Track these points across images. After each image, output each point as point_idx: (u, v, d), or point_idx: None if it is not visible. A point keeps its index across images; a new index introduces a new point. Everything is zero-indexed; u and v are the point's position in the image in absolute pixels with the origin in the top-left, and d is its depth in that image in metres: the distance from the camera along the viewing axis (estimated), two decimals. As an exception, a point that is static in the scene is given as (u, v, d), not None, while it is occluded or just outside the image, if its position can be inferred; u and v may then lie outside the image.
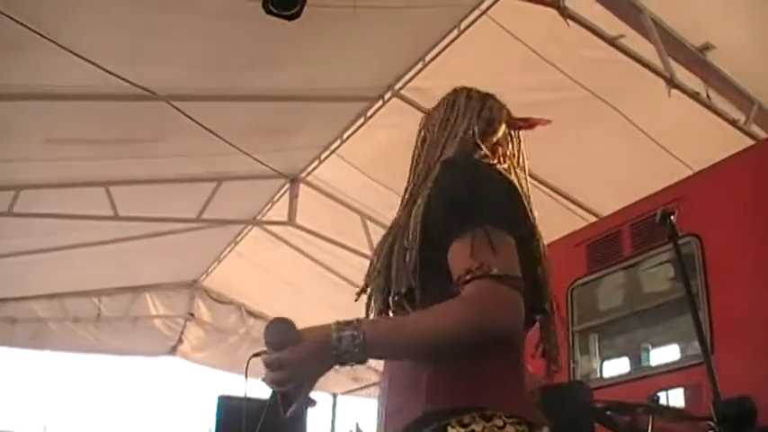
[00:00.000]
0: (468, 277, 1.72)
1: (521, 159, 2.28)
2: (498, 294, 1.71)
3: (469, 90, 2.33)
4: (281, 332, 1.77)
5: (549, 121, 2.26)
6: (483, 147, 2.10)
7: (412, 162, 2.23)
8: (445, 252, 1.81)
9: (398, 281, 1.91)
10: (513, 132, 2.28)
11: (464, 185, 1.88)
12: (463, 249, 1.76)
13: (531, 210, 2.04)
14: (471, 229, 1.76)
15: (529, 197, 2.10)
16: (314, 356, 1.73)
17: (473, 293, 1.71)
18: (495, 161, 2.11)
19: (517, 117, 2.29)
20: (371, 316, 2.02)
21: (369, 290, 2.05)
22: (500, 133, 2.19)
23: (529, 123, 2.29)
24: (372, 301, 2.04)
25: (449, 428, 1.74)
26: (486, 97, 2.30)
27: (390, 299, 1.96)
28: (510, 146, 2.25)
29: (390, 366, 1.99)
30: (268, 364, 1.76)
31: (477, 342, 1.72)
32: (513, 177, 2.10)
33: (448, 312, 1.72)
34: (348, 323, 1.72)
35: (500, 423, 1.74)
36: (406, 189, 2.14)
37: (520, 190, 2.05)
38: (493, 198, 1.87)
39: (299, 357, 1.73)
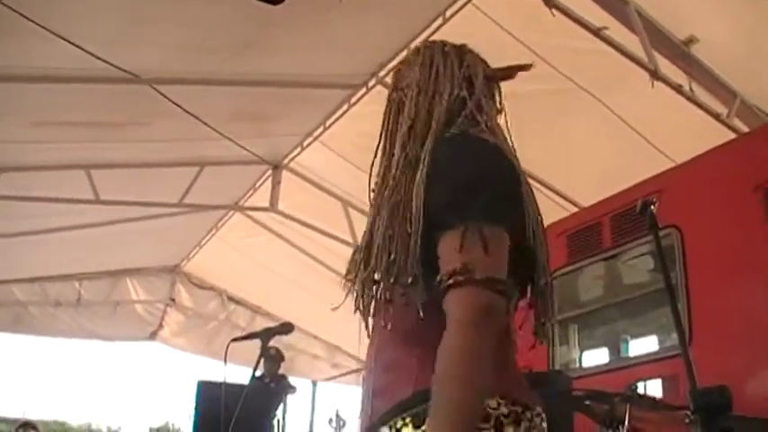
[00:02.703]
0: (450, 281, 1.65)
1: (503, 116, 2.15)
2: (478, 303, 1.63)
3: (444, 44, 2.14)
4: None
5: (530, 65, 2.13)
6: (477, 116, 1.96)
7: (385, 130, 2.05)
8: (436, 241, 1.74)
9: (402, 270, 1.78)
10: (493, 84, 2.14)
11: (465, 170, 1.79)
12: (453, 243, 1.68)
13: (527, 185, 1.93)
14: (465, 222, 1.68)
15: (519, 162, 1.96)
16: None
17: (455, 317, 1.65)
18: (487, 131, 1.94)
19: (496, 67, 2.15)
20: (361, 307, 1.92)
21: (357, 280, 1.92)
22: (478, 89, 2.03)
23: (509, 72, 2.16)
24: (361, 292, 1.90)
25: None
26: (462, 50, 2.13)
27: (384, 290, 1.83)
28: (492, 102, 2.11)
29: (377, 346, 1.93)
30: None
31: (483, 354, 1.60)
32: (504, 145, 1.96)
33: (454, 376, 1.59)
34: None
35: (494, 404, 1.68)
36: (386, 165, 1.98)
37: (516, 164, 1.91)
38: (492, 188, 1.76)
39: None
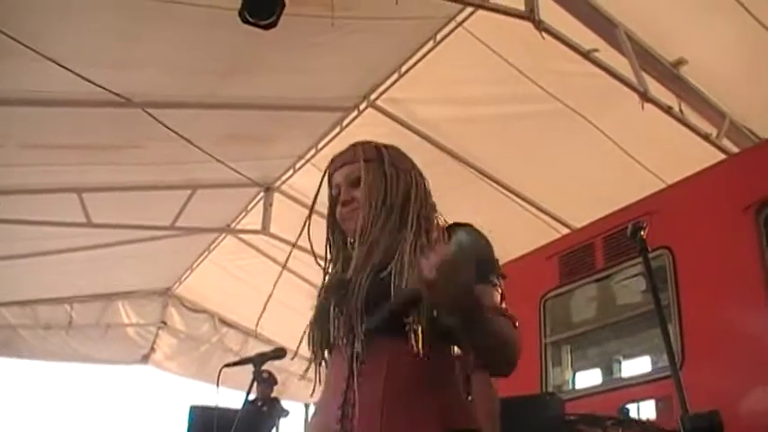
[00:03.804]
0: (500, 311, 2.03)
1: None
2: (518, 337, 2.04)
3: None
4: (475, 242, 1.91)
5: None
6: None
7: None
8: None
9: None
10: None
11: (489, 249, 2.14)
12: (488, 293, 2.03)
13: None
14: (490, 281, 2.07)
15: None
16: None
17: (513, 326, 2.03)
18: None
19: None
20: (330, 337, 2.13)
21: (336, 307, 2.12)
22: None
23: None
24: (336, 319, 2.11)
25: None
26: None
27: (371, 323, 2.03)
28: None
29: (361, 384, 2.03)
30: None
31: (510, 357, 2.02)
32: None
33: (511, 327, 2.03)
34: None
35: None
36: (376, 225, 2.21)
37: None
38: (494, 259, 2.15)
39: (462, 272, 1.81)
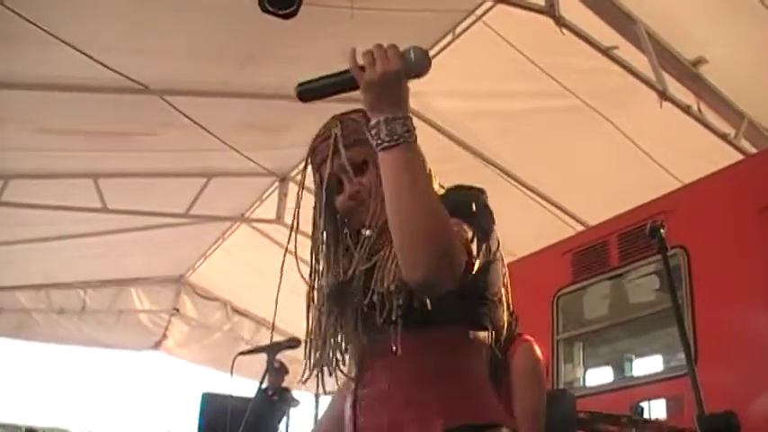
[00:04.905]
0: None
1: None
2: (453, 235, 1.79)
3: None
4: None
5: None
6: None
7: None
8: None
9: None
10: None
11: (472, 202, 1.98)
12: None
13: None
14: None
15: None
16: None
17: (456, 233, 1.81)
18: None
19: None
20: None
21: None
22: None
23: None
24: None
25: None
26: None
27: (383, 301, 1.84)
28: None
29: (369, 381, 1.97)
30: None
31: (426, 255, 1.67)
32: None
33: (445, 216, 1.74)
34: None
35: None
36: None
37: None
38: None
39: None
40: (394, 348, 1.82)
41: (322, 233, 2.07)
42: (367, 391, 1.95)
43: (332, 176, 2.04)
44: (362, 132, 2.03)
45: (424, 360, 1.89)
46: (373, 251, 1.90)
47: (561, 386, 5.71)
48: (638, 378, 5.66)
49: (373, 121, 1.81)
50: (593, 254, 5.82)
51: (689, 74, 6.20)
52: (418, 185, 1.72)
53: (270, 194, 9.60)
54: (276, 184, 9.37)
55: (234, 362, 4.12)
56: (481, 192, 2.05)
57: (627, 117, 6.77)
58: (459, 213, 1.87)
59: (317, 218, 2.07)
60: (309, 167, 2.16)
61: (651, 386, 5.12)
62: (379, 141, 1.78)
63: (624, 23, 5.89)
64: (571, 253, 6.00)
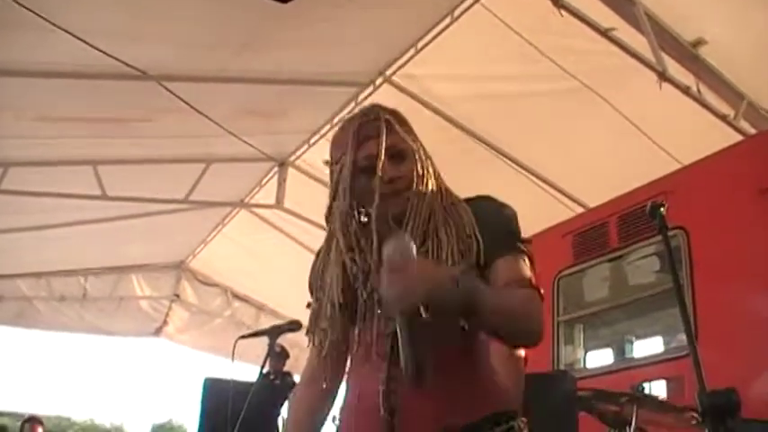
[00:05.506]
0: (524, 283, 1.97)
1: None
2: (542, 306, 1.98)
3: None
4: (406, 248, 1.71)
5: None
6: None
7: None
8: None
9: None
10: None
11: (514, 219, 2.11)
12: (515, 263, 2.01)
13: None
14: (517, 249, 2.04)
15: None
16: (435, 277, 1.73)
17: (536, 296, 1.96)
18: None
19: None
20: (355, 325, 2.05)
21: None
22: None
23: None
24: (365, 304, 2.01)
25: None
26: None
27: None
28: None
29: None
30: (393, 269, 1.69)
31: (524, 330, 1.93)
32: None
33: (531, 298, 1.95)
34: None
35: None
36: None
37: None
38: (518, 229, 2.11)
39: (424, 272, 1.73)
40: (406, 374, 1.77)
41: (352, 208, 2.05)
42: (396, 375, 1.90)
43: (373, 158, 2.01)
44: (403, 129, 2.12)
45: (449, 349, 1.91)
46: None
47: (562, 368, 5.73)
48: (638, 359, 5.67)
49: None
50: (594, 235, 5.83)
51: (688, 55, 6.18)
52: (514, 314, 1.89)
53: (269, 179, 9.60)
54: (275, 169, 9.36)
55: (235, 346, 4.13)
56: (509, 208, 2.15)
57: (626, 98, 6.75)
58: (514, 236, 2.07)
59: (344, 193, 2.05)
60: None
61: (652, 367, 5.14)
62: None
63: (623, 4, 5.87)
64: (571, 235, 6.01)
